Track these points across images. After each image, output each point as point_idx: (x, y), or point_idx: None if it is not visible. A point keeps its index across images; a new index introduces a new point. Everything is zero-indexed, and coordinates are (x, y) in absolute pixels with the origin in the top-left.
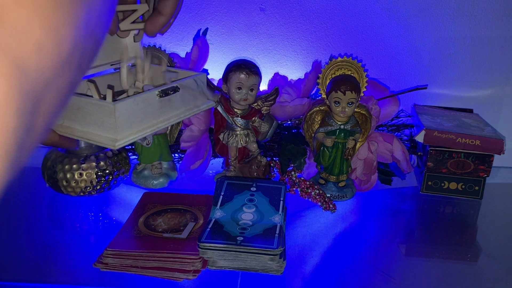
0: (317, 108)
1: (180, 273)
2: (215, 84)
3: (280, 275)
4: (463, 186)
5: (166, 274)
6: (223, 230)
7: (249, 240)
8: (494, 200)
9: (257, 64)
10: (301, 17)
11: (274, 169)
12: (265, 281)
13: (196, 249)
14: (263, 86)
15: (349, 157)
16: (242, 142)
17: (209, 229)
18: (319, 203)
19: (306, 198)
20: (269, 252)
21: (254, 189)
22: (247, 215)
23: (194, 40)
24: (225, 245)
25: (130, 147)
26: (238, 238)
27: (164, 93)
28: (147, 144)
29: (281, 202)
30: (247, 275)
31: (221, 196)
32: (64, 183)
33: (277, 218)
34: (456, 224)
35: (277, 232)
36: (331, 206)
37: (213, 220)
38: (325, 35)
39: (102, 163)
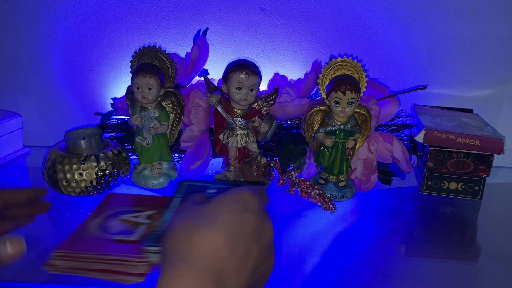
0: (317, 108)
1: (126, 276)
2: (215, 84)
3: None
4: (463, 186)
5: (112, 276)
6: None
7: None
8: (494, 200)
9: (257, 64)
10: (301, 17)
11: (274, 169)
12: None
13: None
14: (263, 86)
15: (349, 157)
16: (242, 142)
17: (157, 232)
18: (319, 203)
19: (306, 198)
20: None
21: (213, 191)
22: None
23: (194, 40)
24: None
25: (130, 147)
26: None
27: None
28: (147, 144)
29: None
30: None
31: (180, 199)
32: (64, 183)
33: None
34: (456, 224)
35: None
36: (331, 206)
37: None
38: (325, 35)
39: (102, 163)
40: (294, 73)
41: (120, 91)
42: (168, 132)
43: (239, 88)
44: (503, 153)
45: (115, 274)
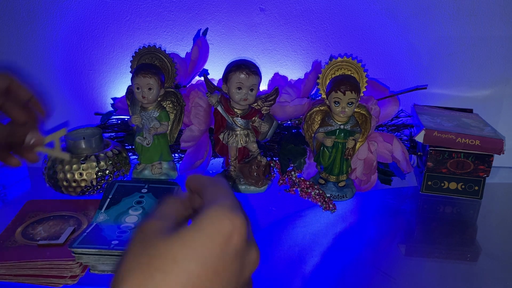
0: (317, 108)
1: (56, 279)
2: (215, 84)
3: None
4: (463, 186)
5: (42, 280)
6: (101, 234)
7: (124, 244)
8: (494, 200)
9: (257, 64)
10: (301, 17)
11: (274, 169)
12: (266, 281)
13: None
14: (263, 86)
15: (349, 157)
16: (242, 142)
17: (85, 233)
18: (319, 203)
19: (306, 198)
20: None
21: (145, 190)
22: (132, 218)
23: (194, 40)
24: (97, 250)
25: (130, 147)
26: (112, 242)
27: None
28: (147, 144)
29: None
30: None
31: (108, 199)
32: (64, 183)
33: None
34: (456, 224)
35: None
36: (331, 206)
37: (94, 224)
38: (325, 35)
39: (102, 163)
40: (294, 73)
41: (120, 91)
42: (168, 132)
43: (239, 88)
44: (503, 153)
45: (45, 278)
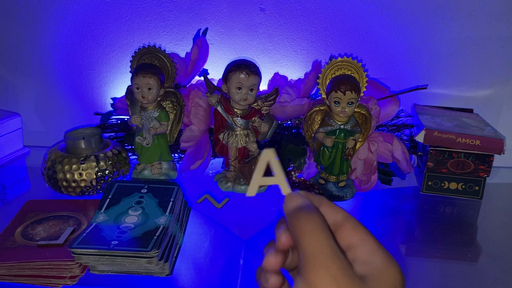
0: (317, 108)
1: (55, 279)
2: (215, 84)
3: (168, 276)
4: (463, 186)
5: (41, 281)
6: (100, 234)
7: (124, 244)
8: (494, 200)
9: (257, 64)
10: (301, 17)
11: None
12: None
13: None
14: (263, 86)
15: (349, 157)
16: (242, 142)
17: (85, 234)
18: None
19: None
20: (143, 255)
21: (145, 190)
22: (131, 218)
23: (194, 40)
24: (96, 250)
25: (130, 147)
26: (112, 242)
27: None
28: (147, 144)
29: (171, 203)
30: (247, 273)
31: (108, 200)
32: (64, 183)
33: (162, 220)
34: (456, 224)
35: (157, 234)
36: None
37: (94, 224)
38: (325, 35)
39: (102, 163)
40: (294, 73)
41: (120, 91)
42: (168, 132)
43: (239, 88)
44: (503, 153)
45: (45, 279)
